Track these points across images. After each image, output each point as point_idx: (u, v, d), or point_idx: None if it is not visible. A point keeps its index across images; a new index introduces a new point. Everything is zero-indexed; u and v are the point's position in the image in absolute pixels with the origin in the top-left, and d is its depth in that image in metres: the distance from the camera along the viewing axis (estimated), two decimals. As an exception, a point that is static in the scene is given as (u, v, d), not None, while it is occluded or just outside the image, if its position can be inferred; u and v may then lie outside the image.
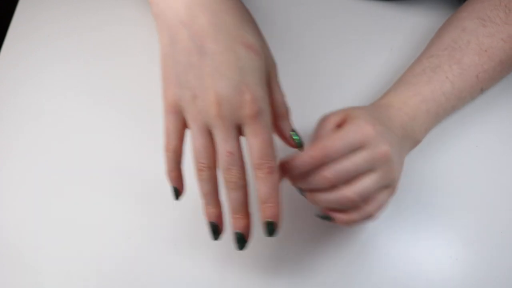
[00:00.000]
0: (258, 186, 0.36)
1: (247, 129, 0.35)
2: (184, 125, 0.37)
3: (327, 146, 0.38)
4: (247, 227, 0.38)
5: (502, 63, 0.47)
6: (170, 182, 0.39)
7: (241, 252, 0.45)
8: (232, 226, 0.38)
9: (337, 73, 0.54)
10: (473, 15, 0.48)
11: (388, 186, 0.40)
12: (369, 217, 0.40)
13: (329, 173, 0.38)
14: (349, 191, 0.38)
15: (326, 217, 0.41)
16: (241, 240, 0.38)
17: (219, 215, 0.39)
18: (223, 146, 0.35)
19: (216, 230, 0.39)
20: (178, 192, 0.40)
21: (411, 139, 0.44)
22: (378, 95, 0.52)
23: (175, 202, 0.47)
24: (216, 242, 0.45)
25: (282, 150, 0.42)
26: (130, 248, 0.45)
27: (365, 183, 0.38)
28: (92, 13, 0.57)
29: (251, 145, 0.36)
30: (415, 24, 0.57)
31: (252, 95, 0.34)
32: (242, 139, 0.36)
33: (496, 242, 0.45)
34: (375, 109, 0.43)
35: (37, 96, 0.52)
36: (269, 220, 0.37)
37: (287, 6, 0.58)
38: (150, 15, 0.56)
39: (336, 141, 0.38)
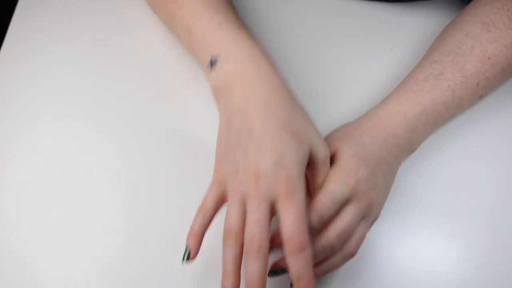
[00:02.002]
0: (290, 262, 0.36)
1: (280, 205, 0.36)
2: (223, 198, 0.39)
3: (320, 213, 0.38)
4: None
5: (504, 70, 0.47)
6: (187, 241, 0.39)
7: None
8: None
9: (337, 73, 0.54)
10: (476, 19, 0.48)
11: (365, 216, 0.41)
12: (350, 255, 0.41)
13: (333, 239, 0.38)
14: (331, 236, 0.39)
15: (281, 270, 0.40)
16: None
17: (233, 286, 0.37)
18: (253, 215, 0.36)
19: None
20: (189, 255, 0.39)
21: (406, 152, 0.45)
22: (378, 95, 0.52)
23: (175, 202, 0.48)
24: (216, 241, 0.45)
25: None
26: (130, 248, 0.45)
27: (344, 223, 0.39)
28: (92, 14, 0.57)
29: (283, 220, 0.36)
30: (415, 24, 0.57)
31: (288, 174, 0.36)
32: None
33: (496, 242, 0.45)
34: (368, 131, 0.43)
35: (36, 97, 0.52)
36: None
37: (287, 6, 0.58)
38: (152, 18, 0.56)
39: (325, 207, 0.38)
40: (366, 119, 0.45)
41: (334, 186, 0.39)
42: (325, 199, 0.38)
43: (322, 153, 0.39)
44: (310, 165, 0.39)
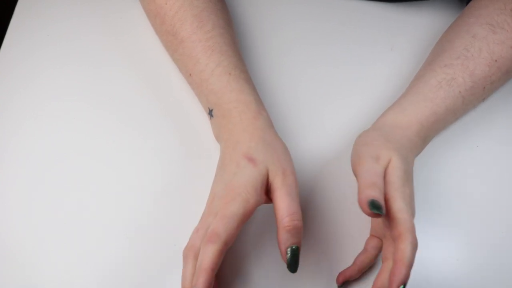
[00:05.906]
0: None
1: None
2: None
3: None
4: None
5: (508, 72, 0.47)
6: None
7: (239, 252, 0.45)
8: None
9: (337, 72, 0.54)
10: (481, 20, 0.48)
11: None
12: None
13: None
14: None
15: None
16: None
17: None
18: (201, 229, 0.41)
19: None
20: None
21: (416, 155, 0.45)
22: (378, 95, 0.52)
23: (175, 201, 0.48)
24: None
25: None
26: (130, 248, 0.45)
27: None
28: (91, 14, 0.57)
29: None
30: (415, 24, 0.57)
31: (232, 190, 0.40)
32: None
33: (497, 242, 0.45)
34: (402, 143, 0.43)
35: (36, 97, 0.52)
36: None
37: (286, 6, 0.58)
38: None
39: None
40: (393, 127, 0.44)
41: (406, 214, 0.39)
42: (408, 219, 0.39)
43: (284, 178, 0.41)
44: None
